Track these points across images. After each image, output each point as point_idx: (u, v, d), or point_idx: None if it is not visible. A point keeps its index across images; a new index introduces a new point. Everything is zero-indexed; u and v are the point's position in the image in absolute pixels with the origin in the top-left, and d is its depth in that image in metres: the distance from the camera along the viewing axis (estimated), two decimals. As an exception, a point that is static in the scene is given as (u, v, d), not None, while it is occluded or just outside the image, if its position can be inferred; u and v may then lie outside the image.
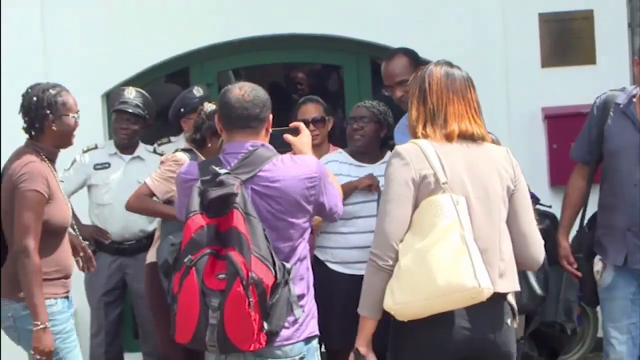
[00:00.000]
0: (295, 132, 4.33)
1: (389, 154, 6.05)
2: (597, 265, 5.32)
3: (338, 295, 5.84)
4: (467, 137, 4.03)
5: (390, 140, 6.09)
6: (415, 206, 3.93)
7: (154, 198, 5.92)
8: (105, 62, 7.70)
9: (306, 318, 4.10)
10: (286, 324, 4.01)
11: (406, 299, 3.83)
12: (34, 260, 4.72)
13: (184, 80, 8.47)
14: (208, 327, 3.82)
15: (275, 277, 3.88)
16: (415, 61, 5.75)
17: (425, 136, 4.02)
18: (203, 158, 5.72)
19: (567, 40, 7.65)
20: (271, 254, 3.90)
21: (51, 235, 4.84)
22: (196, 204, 3.90)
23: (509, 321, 4.04)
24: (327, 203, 4.18)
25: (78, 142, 7.19)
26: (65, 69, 7.68)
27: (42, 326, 4.72)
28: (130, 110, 6.82)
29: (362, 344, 4.00)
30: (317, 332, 4.18)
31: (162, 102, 7.99)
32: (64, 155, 7.06)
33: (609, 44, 7.60)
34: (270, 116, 4.17)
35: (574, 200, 5.45)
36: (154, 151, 7.03)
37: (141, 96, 6.91)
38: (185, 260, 3.83)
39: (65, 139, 5.01)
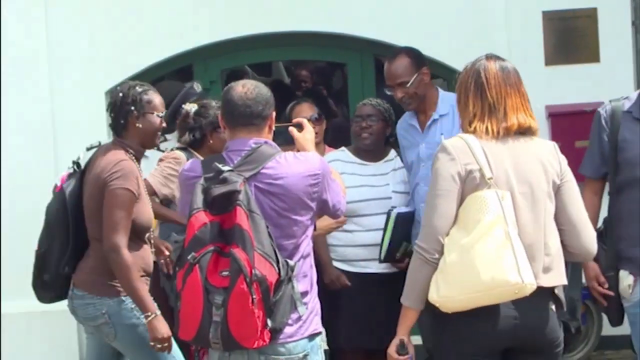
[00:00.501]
0: (298, 128, 4.33)
1: (392, 152, 6.05)
2: (627, 279, 5.06)
3: (343, 293, 5.85)
4: (525, 130, 4.09)
5: (391, 138, 6.09)
6: (461, 201, 4.00)
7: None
8: (108, 59, 7.70)
9: (310, 315, 4.09)
10: (290, 321, 4.00)
11: (450, 292, 3.91)
12: (126, 256, 4.74)
13: (188, 77, 8.48)
14: (212, 324, 3.81)
15: (279, 274, 3.88)
16: (418, 62, 5.73)
17: (474, 131, 4.06)
18: (200, 157, 5.70)
19: (571, 38, 7.64)
20: (274, 251, 3.89)
21: (136, 234, 4.86)
22: (199, 201, 3.89)
23: (553, 307, 4.12)
24: (330, 200, 4.17)
25: (81, 137, 7.23)
26: (68, 66, 7.69)
27: (153, 315, 4.75)
28: None
29: (405, 333, 4.07)
30: (320, 330, 4.18)
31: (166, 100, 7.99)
32: (71, 155, 7.06)
33: (613, 42, 7.58)
34: (274, 114, 4.17)
35: (591, 218, 5.30)
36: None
37: None
38: (189, 257, 3.82)
39: (149, 137, 5.01)
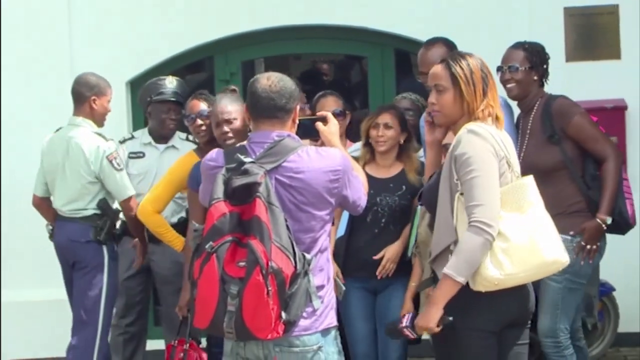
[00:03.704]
0: (322, 121, 4.32)
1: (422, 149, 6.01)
2: None
3: None
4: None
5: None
6: None
7: None
8: (130, 50, 7.72)
9: (325, 309, 4.10)
10: (304, 314, 4.01)
11: (514, 270, 4.08)
12: None
13: (207, 69, 8.51)
14: (226, 313, 3.83)
15: (295, 267, 3.89)
16: None
17: (493, 118, 4.23)
18: None
19: (592, 35, 7.63)
20: (292, 244, 3.90)
21: None
22: (220, 191, 3.91)
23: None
24: (351, 196, 4.18)
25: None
26: (90, 57, 7.72)
27: None
28: (181, 100, 6.71)
29: (443, 307, 4.14)
30: (335, 323, 4.17)
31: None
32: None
33: (634, 39, 7.57)
34: (298, 107, 4.18)
35: None
36: (187, 138, 7.00)
37: (182, 84, 6.84)
38: (207, 246, 3.84)
39: None
